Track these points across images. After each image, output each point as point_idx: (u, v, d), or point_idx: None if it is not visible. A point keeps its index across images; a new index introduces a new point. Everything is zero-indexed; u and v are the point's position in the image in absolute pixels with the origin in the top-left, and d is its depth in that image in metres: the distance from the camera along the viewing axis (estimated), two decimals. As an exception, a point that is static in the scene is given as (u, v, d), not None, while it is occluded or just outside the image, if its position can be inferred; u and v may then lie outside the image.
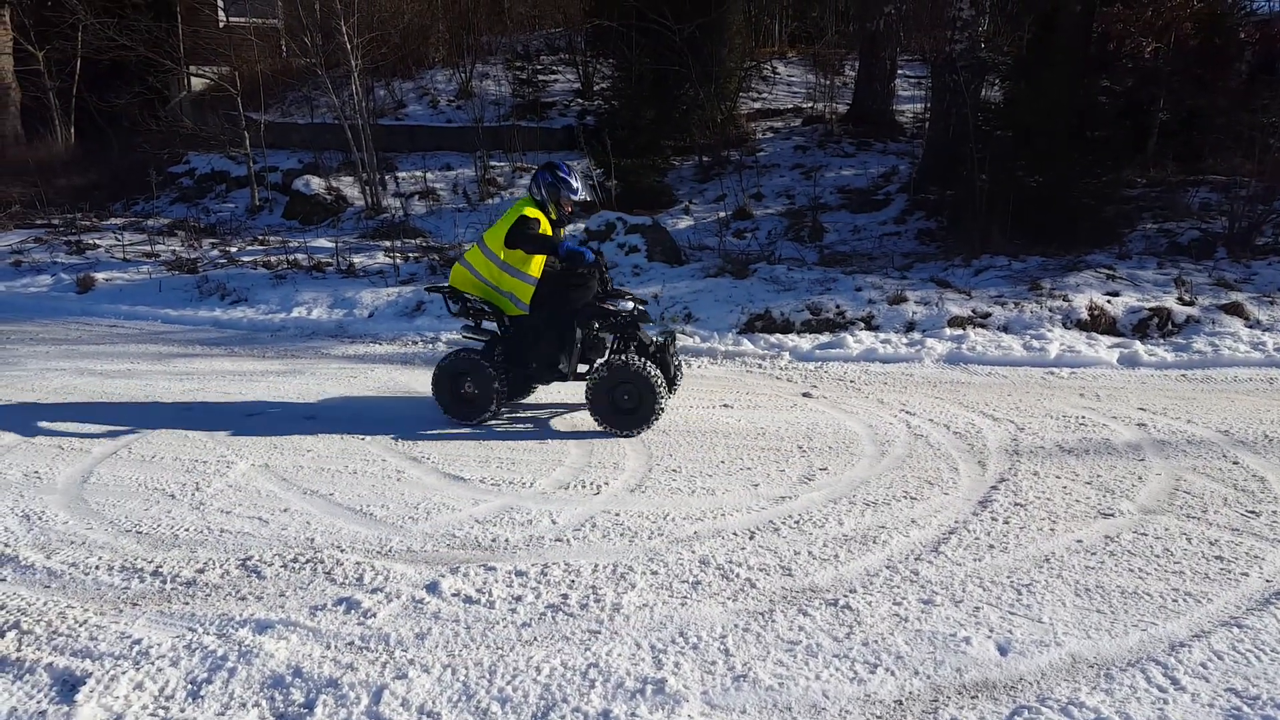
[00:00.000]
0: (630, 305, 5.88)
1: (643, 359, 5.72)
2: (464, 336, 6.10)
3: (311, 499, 4.57)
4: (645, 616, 3.28)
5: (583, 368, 6.02)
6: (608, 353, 6.11)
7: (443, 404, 5.92)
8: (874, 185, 13.13)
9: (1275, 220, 10.04)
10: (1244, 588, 3.44)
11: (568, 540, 4.00)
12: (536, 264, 5.79)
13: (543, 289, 5.83)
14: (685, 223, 12.51)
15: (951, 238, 10.90)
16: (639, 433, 5.64)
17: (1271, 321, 7.80)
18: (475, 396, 5.82)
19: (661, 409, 5.64)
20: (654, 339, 6.13)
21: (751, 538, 4.00)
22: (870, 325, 8.37)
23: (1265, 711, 2.67)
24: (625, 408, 5.65)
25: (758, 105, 16.95)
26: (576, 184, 5.91)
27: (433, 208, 14.09)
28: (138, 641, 3.13)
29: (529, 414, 6.18)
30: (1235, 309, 7.99)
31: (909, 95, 16.61)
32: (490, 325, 6.00)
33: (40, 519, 4.32)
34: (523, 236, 5.58)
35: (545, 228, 5.73)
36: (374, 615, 3.30)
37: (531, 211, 5.70)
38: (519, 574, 3.62)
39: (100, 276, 11.38)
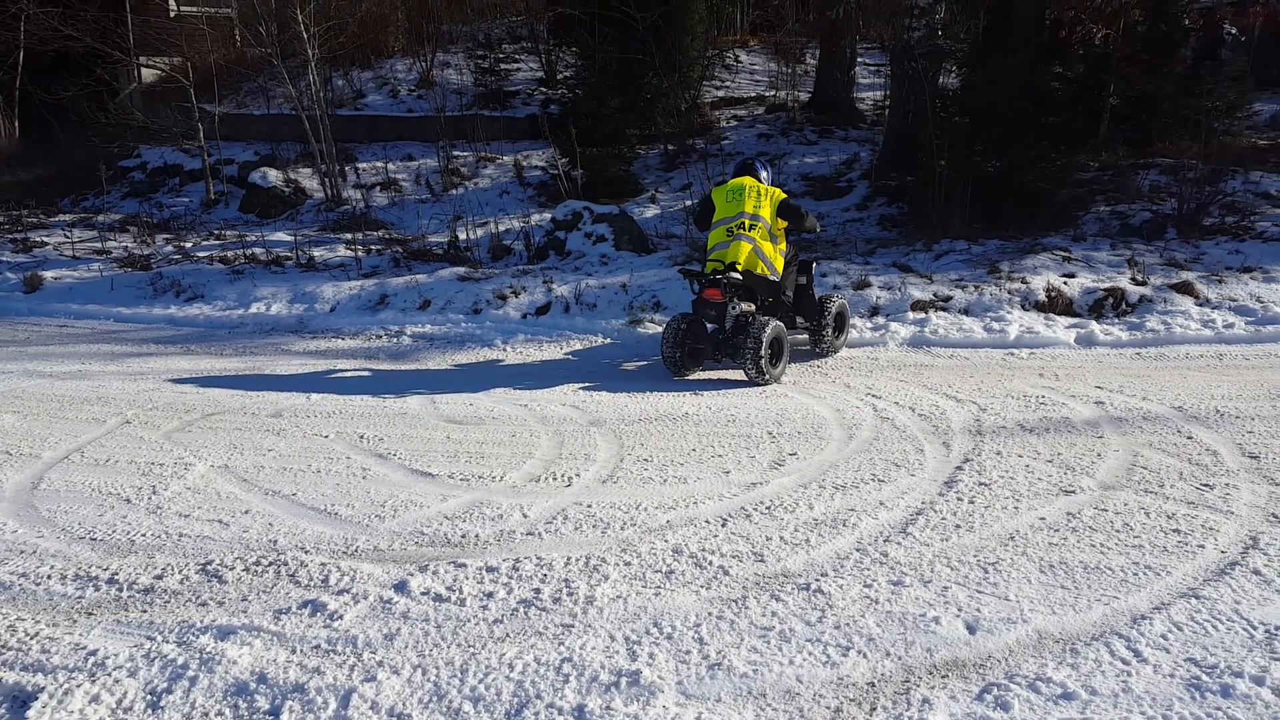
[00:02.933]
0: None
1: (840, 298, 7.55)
2: (737, 313, 6.68)
3: (274, 500, 4.50)
4: (619, 608, 3.27)
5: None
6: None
7: (768, 377, 6.51)
8: (836, 172, 13.20)
9: (1221, 201, 10.25)
10: (1200, 559, 3.51)
11: (539, 534, 3.98)
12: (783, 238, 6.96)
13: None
14: (652, 211, 12.49)
15: (912, 223, 11.00)
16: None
17: (1220, 299, 7.97)
18: (781, 354, 6.68)
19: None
20: None
21: (724, 525, 4.00)
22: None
23: (1223, 680, 2.73)
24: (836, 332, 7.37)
25: (721, 94, 16.94)
26: None
27: (395, 199, 13.94)
28: (93, 653, 3.05)
29: (496, 406, 6.15)
30: (1185, 288, 8.15)
31: (869, 83, 16.68)
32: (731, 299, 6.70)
33: (-7, 526, 4.21)
34: (807, 219, 6.91)
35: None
36: (341, 617, 3.25)
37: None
38: (490, 570, 3.59)
39: (49, 275, 11.10)
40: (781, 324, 6.64)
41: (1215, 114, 11.50)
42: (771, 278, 6.78)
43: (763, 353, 6.37)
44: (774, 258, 6.78)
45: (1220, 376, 6.35)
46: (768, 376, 6.47)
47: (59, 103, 15.96)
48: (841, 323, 7.46)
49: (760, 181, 7.02)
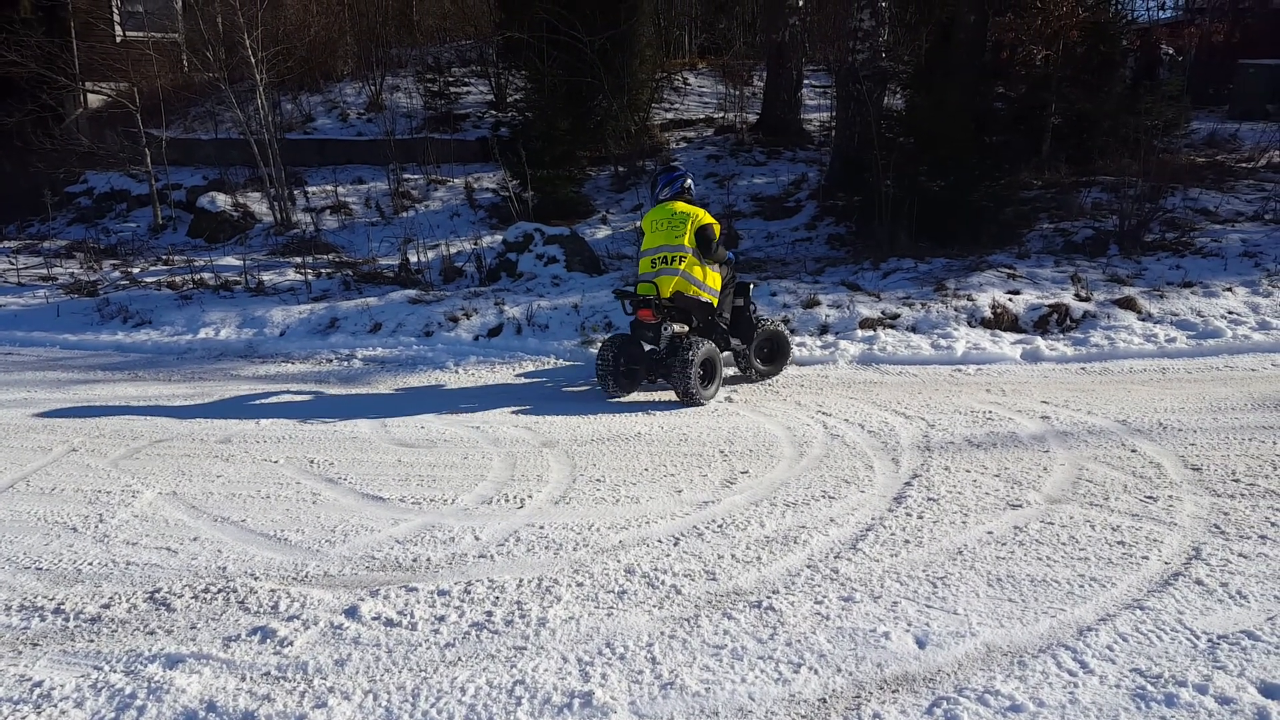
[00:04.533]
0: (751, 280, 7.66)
1: (776, 322, 7.37)
2: (673, 332, 6.71)
3: (223, 526, 4.43)
4: (571, 629, 3.27)
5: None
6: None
7: (700, 396, 6.54)
8: (785, 192, 13.36)
9: (1162, 217, 10.55)
10: (1145, 571, 3.60)
11: (491, 556, 3.96)
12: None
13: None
14: (603, 232, 12.54)
15: (860, 242, 11.15)
16: (773, 377, 7.27)
17: (1162, 314, 8.18)
18: (714, 376, 6.71)
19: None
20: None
21: (676, 544, 4.02)
22: (786, 329, 8.50)
23: (1168, 689, 2.80)
24: (765, 359, 7.28)
25: (670, 115, 17.10)
26: None
27: (345, 222, 13.83)
28: (39, 684, 3.00)
29: (448, 429, 6.11)
30: (1128, 303, 8.36)
31: (815, 104, 16.97)
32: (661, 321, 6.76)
33: (-71, 560, 4.10)
34: (718, 252, 6.77)
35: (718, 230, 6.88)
36: (291, 644, 3.21)
37: (708, 217, 6.81)
38: (442, 593, 3.57)
39: (-9, 302, 10.85)
40: (714, 345, 6.66)
41: (1154, 132, 11.82)
42: (705, 299, 6.77)
43: (691, 374, 6.39)
44: (707, 278, 6.76)
45: (1163, 390, 6.51)
46: (699, 397, 6.50)
47: (3, 128, 15.63)
48: (777, 349, 7.36)
49: (687, 196, 6.99)
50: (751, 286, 7.35)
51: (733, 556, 3.86)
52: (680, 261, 6.64)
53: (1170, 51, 15.63)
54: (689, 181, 7.07)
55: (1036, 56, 11.39)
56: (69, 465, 5.51)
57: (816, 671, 2.96)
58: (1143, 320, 8.13)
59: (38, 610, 3.56)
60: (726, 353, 7.08)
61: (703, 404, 6.55)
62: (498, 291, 10.06)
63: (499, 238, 11.57)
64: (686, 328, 6.77)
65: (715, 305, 6.87)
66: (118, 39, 16.74)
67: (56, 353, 9.39)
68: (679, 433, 5.83)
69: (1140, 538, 3.91)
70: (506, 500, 4.68)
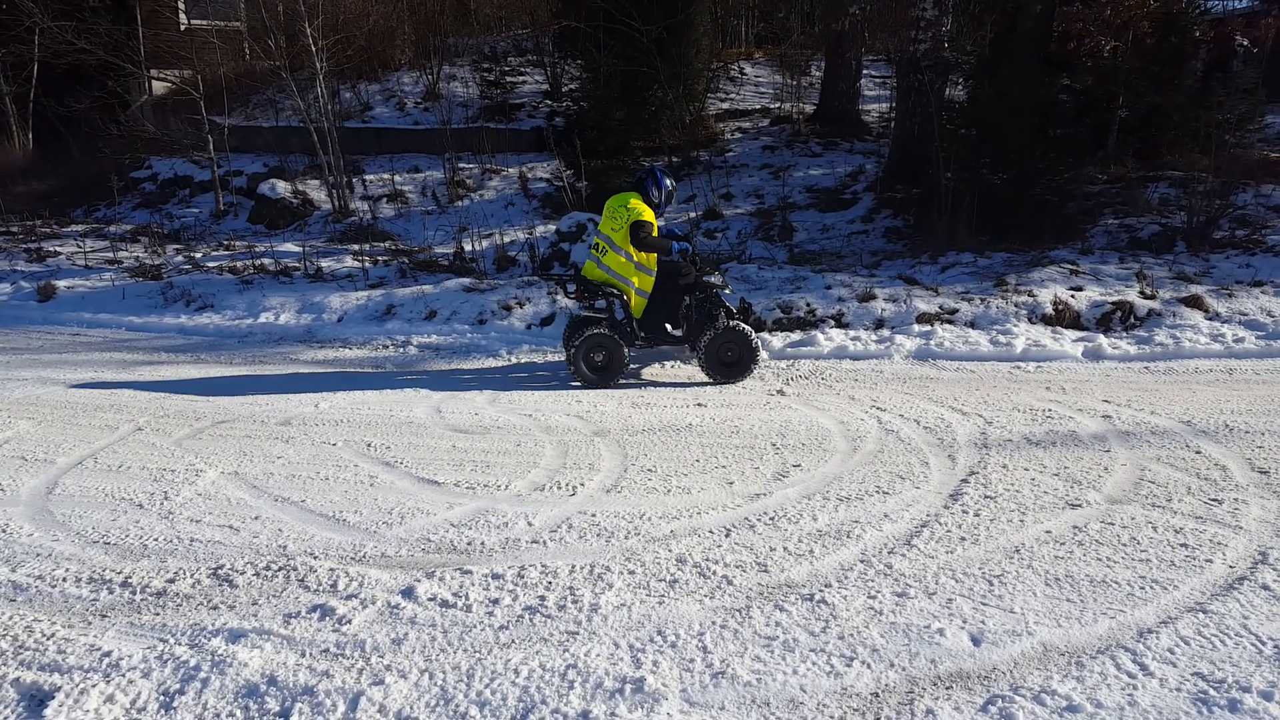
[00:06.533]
0: (718, 280, 7.22)
1: (739, 323, 6.99)
2: (584, 315, 7.15)
3: (283, 506, 4.53)
4: (623, 616, 3.29)
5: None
6: (717, 322, 7.10)
7: (583, 378, 6.95)
8: (841, 184, 13.23)
9: (1232, 214, 10.24)
10: (1208, 574, 3.51)
11: (544, 542, 4.00)
12: (652, 259, 7.05)
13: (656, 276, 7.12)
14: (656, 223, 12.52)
15: (918, 235, 11.01)
16: (741, 380, 6.95)
17: (1230, 314, 7.95)
18: (609, 364, 6.93)
19: (758, 361, 7.05)
20: (732, 307, 7.35)
21: (727, 535, 4.02)
22: (840, 323, 8.43)
23: (1231, 694, 2.73)
24: (728, 360, 6.96)
25: (726, 106, 17.01)
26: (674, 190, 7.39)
27: (401, 210, 14.01)
28: (108, 654, 3.09)
29: (501, 416, 6.17)
30: (1195, 302, 8.14)
31: (874, 95, 16.76)
32: (600, 303, 7.10)
33: (4, 532, 4.24)
34: (647, 241, 6.82)
35: (655, 226, 6.96)
36: (349, 622, 3.27)
37: (647, 214, 6.87)
38: (495, 577, 3.61)
39: (62, 284, 11.19)
40: (612, 336, 6.89)
41: (1226, 126, 11.43)
42: (617, 290, 7.02)
43: (569, 352, 6.91)
44: (627, 273, 6.99)
45: (1230, 391, 6.33)
46: (576, 376, 6.94)
47: (72, 115, 16.10)
48: (742, 352, 6.97)
49: (645, 197, 7.05)
50: (717, 286, 7.17)
51: (784, 549, 3.84)
52: (604, 254, 7.01)
53: (1245, 43, 15.08)
54: (662, 181, 7.15)
55: (1104, 47, 11.10)
56: (135, 444, 5.66)
57: (869, 666, 2.94)
58: (1210, 319, 7.91)
59: (106, 583, 3.67)
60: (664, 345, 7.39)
61: (583, 386, 6.89)
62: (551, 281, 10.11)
63: (552, 227, 11.63)
64: (604, 315, 7.07)
65: (627, 298, 7.03)
66: (182, 27, 17.15)
67: (122, 334, 9.67)
68: (730, 425, 5.81)
69: (1204, 540, 3.82)
70: (559, 487, 4.71)
